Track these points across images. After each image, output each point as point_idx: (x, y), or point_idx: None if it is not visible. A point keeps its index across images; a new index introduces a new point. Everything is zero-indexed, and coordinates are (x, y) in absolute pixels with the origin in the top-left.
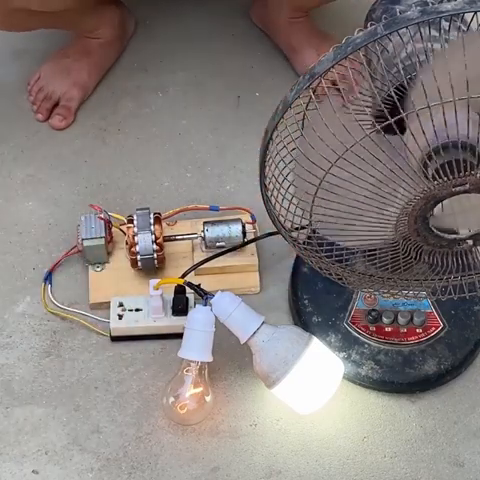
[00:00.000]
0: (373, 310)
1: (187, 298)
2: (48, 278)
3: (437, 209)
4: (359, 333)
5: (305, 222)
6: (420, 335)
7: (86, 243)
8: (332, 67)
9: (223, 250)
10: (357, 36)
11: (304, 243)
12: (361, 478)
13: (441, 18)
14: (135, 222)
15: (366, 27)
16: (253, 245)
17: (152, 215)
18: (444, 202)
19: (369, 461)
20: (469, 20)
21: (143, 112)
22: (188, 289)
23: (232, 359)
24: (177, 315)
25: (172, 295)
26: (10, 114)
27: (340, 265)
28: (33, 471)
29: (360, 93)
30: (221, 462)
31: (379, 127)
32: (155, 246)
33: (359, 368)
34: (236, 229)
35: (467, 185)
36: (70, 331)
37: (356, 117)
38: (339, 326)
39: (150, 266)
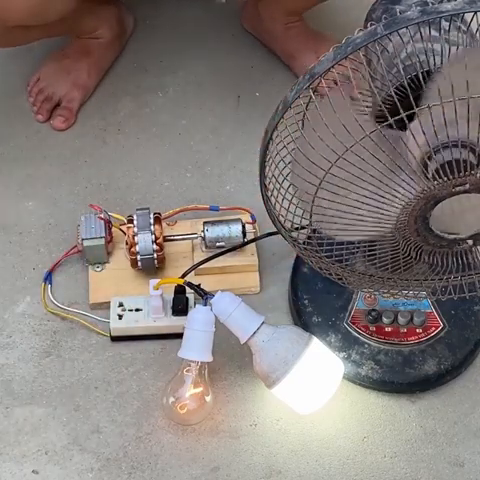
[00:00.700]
0: (373, 310)
1: (187, 298)
2: (48, 278)
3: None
4: (359, 333)
5: (305, 222)
6: (420, 335)
7: (86, 243)
8: (332, 67)
9: (223, 250)
10: (357, 36)
11: (304, 243)
12: (361, 478)
13: (441, 18)
14: (135, 222)
15: (366, 27)
16: (253, 245)
17: (152, 215)
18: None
19: (369, 461)
20: (469, 20)
21: (143, 112)
22: (188, 289)
23: (232, 359)
24: (177, 315)
25: (172, 295)
26: (10, 114)
27: (340, 265)
28: (33, 471)
29: (360, 93)
30: (221, 462)
31: (379, 127)
32: (155, 246)
33: (359, 368)
34: (236, 229)
35: (467, 185)
36: (70, 331)
37: (357, 117)
38: (339, 326)
39: (150, 266)
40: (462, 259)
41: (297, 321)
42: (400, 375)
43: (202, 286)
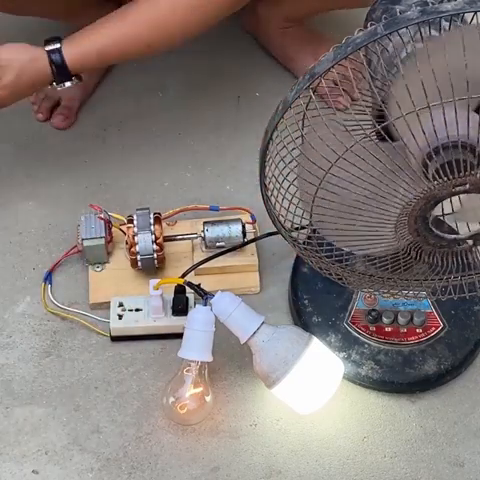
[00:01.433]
0: (373, 310)
1: (187, 298)
2: (48, 278)
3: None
4: (359, 333)
5: (305, 222)
6: (420, 335)
7: (86, 243)
8: (332, 67)
9: (223, 250)
10: (357, 36)
11: (304, 243)
12: (361, 478)
13: (441, 18)
14: (135, 222)
15: (366, 27)
16: (253, 245)
17: (152, 215)
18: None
19: (369, 461)
20: (469, 20)
21: (143, 112)
22: (188, 289)
23: (232, 359)
24: (177, 315)
25: (172, 295)
26: (10, 114)
27: (340, 265)
28: (33, 471)
29: (360, 93)
30: (221, 462)
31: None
32: (155, 246)
33: (359, 368)
34: (236, 229)
35: (467, 185)
36: (70, 331)
37: (357, 117)
38: (339, 326)
39: (150, 266)
40: (462, 259)
41: (297, 321)
42: (400, 375)
43: (202, 286)
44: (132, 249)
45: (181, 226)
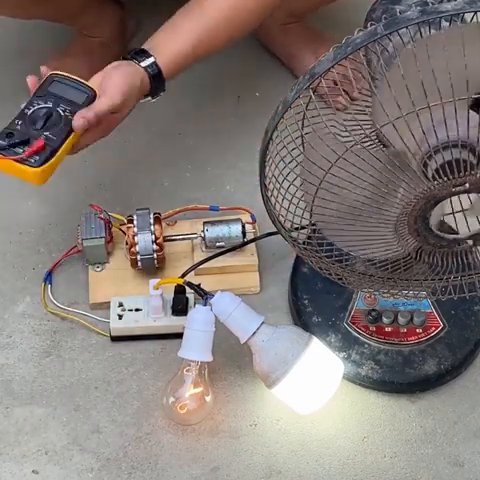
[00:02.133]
0: (373, 310)
1: (187, 298)
2: (48, 278)
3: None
4: (359, 333)
5: (305, 222)
6: (420, 335)
7: (86, 243)
8: (332, 67)
9: (223, 250)
10: (357, 36)
11: (304, 243)
12: (361, 478)
13: (441, 18)
14: (135, 222)
15: (366, 27)
16: (253, 245)
17: (152, 215)
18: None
19: (369, 461)
20: (469, 20)
21: (143, 112)
22: (188, 289)
23: (232, 359)
24: (177, 315)
25: (172, 295)
26: (10, 114)
27: (340, 265)
28: (33, 471)
29: (360, 93)
30: (221, 462)
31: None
32: (155, 246)
33: (359, 368)
34: (236, 229)
35: (467, 185)
36: (70, 331)
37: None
38: (339, 326)
39: (150, 266)
40: (462, 259)
41: (297, 321)
42: (400, 375)
43: (202, 286)
44: (132, 249)
45: (181, 226)
